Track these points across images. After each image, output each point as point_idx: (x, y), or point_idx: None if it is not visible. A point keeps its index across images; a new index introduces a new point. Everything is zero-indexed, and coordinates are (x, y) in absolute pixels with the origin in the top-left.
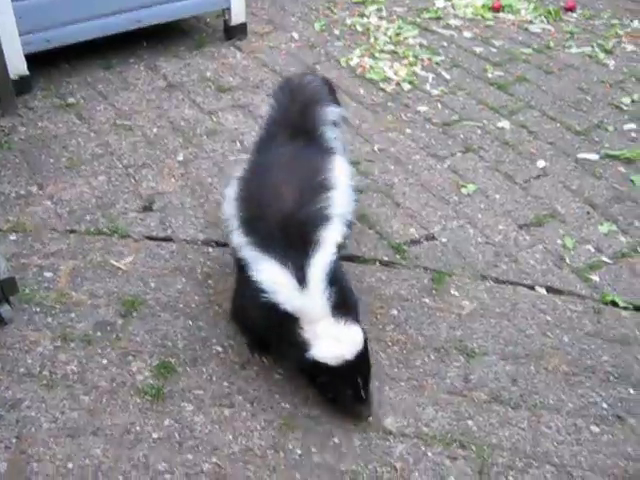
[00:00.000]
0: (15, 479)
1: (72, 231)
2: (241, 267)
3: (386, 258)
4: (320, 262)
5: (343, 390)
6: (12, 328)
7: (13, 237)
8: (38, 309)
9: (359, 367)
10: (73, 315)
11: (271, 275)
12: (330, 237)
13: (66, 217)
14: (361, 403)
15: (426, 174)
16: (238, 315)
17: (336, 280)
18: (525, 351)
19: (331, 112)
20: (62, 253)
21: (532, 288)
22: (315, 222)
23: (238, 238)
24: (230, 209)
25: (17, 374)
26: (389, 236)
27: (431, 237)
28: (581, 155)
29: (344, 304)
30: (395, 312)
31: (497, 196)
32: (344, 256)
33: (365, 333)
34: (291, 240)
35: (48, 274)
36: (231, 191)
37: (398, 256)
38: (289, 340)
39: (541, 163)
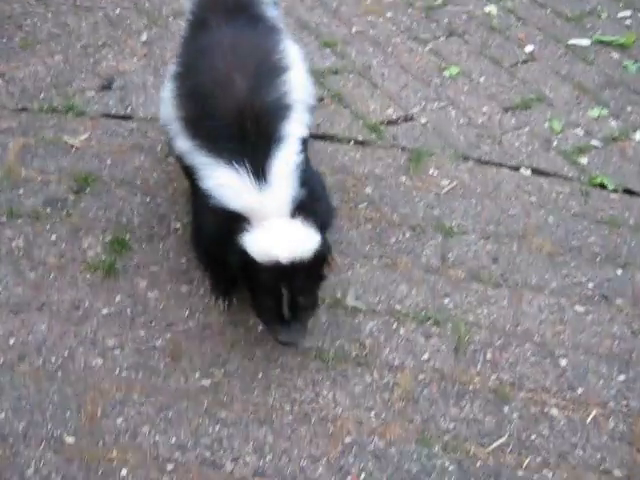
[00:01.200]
0: None
1: (24, 109)
2: (190, 177)
3: (361, 137)
4: (283, 157)
5: (265, 298)
6: None
7: None
8: None
9: (293, 278)
10: (21, 191)
11: (222, 177)
12: (294, 128)
13: (18, 95)
14: (282, 324)
15: (406, 57)
16: (195, 239)
17: (304, 179)
18: (507, 231)
19: None
20: (12, 130)
21: (516, 169)
22: (275, 111)
23: (183, 143)
24: (169, 111)
25: None
26: (365, 116)
27: (410, 118)
28: (572, 41)
29: (312, 209)
30: (369, 190)
31: (482, 79)
32: (315, 135)
33: (326, 250)
34: (247, 136)
35: None
36: (167, 91)
37: (374, 135)
38: (235, 242)
39: (529, 48)
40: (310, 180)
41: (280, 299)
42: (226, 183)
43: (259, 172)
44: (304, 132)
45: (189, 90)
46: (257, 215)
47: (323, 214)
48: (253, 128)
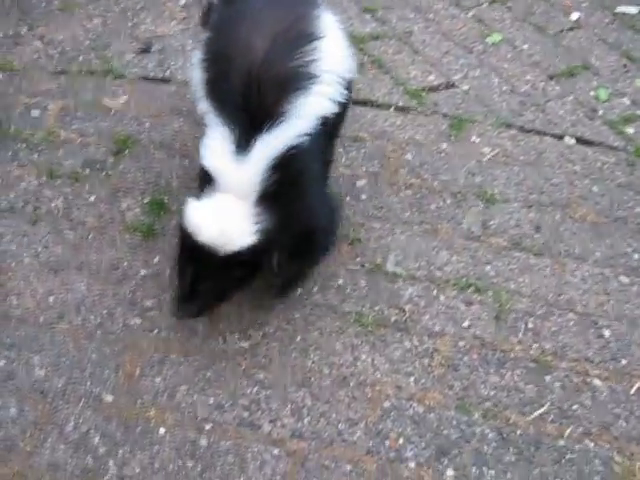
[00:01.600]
0: None
1: (63, 71)
2: None
3: (401, 104)
4: (275, 136)
5: (177, 263)
6: None
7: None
8: (24, 146)
9: (201, 262)
10: (61, 153)
11: (211, 138)
12: (311, 102)
13: (57, 58)
14: (179, 294)
15: (448, 23)
16: None
17: (292, 167)
18: (550, 199)
19: None
20: (52, 92)
21: (560, 138)
22: (289, 80)
23: (202, 104)
24: (196, 74)
25: None
26: (406, 82)
27: (451, 85)
28: (620, 8)
29: (282, 205)
30: (409, 156)
31: (525, 46)
32: (356, 100)
33: (251, 255)
34: (250, 102)
35: (36, 112)
36: (198, 53)
37: (414, 102)
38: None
39: (575, 15)
40: (303, 171)
41: (186, 272)
42: (210, 145)
43: (242, 143)
44: (327, 108)
45: (213, 53)
46: (222, 186)
47: (301, 214)
48: (256, 95)
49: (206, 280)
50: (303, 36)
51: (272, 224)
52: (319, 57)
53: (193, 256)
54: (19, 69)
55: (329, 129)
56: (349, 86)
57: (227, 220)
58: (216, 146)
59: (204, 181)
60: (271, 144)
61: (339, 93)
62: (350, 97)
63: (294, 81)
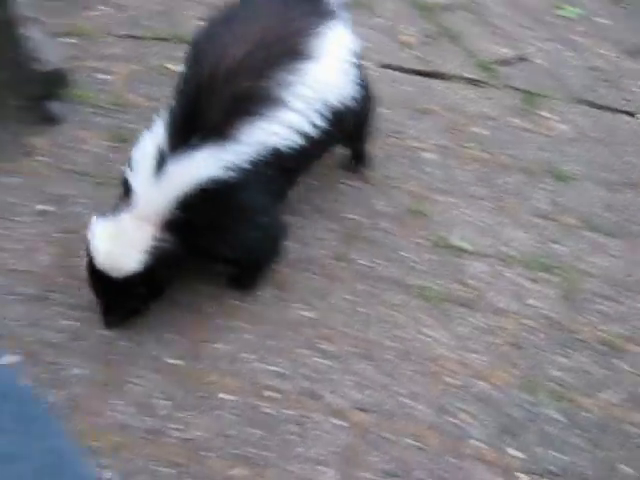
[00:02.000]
0: (58, 272)
1: (130, 36)
2: None
3: (473, 76)
4: (206, 159)
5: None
6: (64, 127)
7: (68, 40)
8: (92, 110)
9: (99, 281)
10: (128, 117)
11: (146, 140)
12: (264, 131)
13: (125, 22)
14: (101, 310)
15: None
16: None
17: (219, 199)
18: (622, 178)
19: None
20: (119, 56)
21: (633, 115)
22: (248, 101)
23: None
24: (186, 59)
25: (66, 172)
26: (477, 54)
27: (524, 58)
28: None
29: (207, 234)
30: (478, 130)
31: (601, 21)
32: (426, 72)
33: (137, 282)
34: (196, 114)
35: (103, 76)
36: (193, 37)
37: (486, 75)
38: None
39: None
40: (230, 203)
41: (96, 288)
42: (138, 149)
43: (166, 157)
44: (285, 139)
45: (196, 44)
46: (133, 203)
47: (223, 245)
48: (206, 107)
49: (115, 296)
50: (288, 52)
51: (177, 251)
52: (298, 80)
53: (97, 275)
54: (87, 33)
55: (289, 163)
56: (344, 116)
57: (118, 246)
58: (142, 152)
59: (125, 189)
60: (195, 168)
61: (312, 124)
62: (342, 129)
63: (254, 102)
